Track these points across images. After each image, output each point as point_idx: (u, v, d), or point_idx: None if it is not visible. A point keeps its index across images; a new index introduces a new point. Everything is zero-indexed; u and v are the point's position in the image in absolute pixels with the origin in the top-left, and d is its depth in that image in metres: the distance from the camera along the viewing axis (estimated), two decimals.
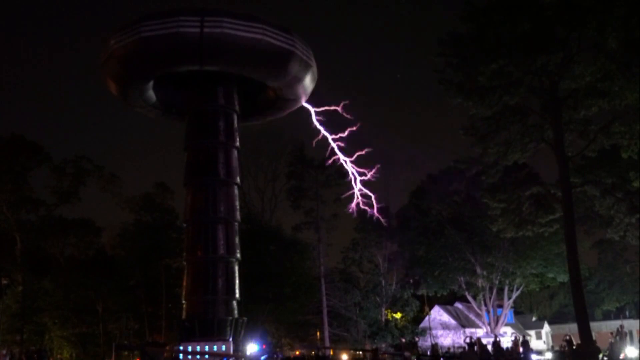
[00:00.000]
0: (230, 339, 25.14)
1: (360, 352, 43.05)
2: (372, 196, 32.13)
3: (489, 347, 30.54)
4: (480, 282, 47.23)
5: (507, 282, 47.68)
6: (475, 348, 24.76)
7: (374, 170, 31.49)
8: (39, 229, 46.32)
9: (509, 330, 56.37)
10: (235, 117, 28.32)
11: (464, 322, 58.27)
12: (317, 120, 30.84)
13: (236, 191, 27.92)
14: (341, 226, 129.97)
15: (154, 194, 50.46)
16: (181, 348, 24.22)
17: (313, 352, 36.19)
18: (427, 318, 54.53)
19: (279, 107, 30.74)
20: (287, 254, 44.34)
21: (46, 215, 46.97)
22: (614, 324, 52.88)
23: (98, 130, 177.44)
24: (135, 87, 27.88)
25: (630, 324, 53.91)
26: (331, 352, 38.24)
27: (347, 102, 30.55)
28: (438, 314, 58.88)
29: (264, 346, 31.86)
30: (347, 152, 31.38)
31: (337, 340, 48.72)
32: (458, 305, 61.58)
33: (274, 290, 41.50)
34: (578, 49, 24.22)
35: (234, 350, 25.01)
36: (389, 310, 52.36)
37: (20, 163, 44.10)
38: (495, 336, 42.05)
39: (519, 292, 49.72)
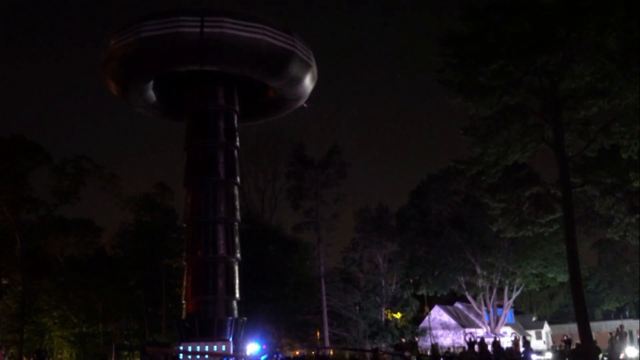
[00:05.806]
0: (230, 339, 25.14)
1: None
2: None
3: (489, 347, 30.52)
4: (480, 282, 47.22)
5: (507, 282, 47.67)
6: (476, 348, 24.80)
7: None
8: (39, 229, 46.29)
9: (509, 330, 56.31)
10: (235, 117, 28.34)
11: (464, 322, 58.22)
12: None
13: (236, 191, 27.93)
14: (341, 226, 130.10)
15: (154, 194, 50.45)
16: (181, 348, 24.23)
17: (313, 352, 36.17)
18: (427, 318, 54.50)
19: (279, 107, 30.75)
20: (287, 254, 44.29)
21: (46, 215, 46.96)
22: (614, 324, 52.80)
23: (98, 130, 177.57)
24: (135, 87, 27.91)
25: (630, 324, 53.85)
26: (331, 352, 38.21)
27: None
28: (438, 314, 58.84)
29: (264, 346, 31.87)
30: None
31: (337, 340, 48.68)
32: (458, 305, 61.54)
33: (274, 290, 41.50)
34: (578, 49, 24.21)
35: (234, 350, 25.02)
36: (389, 310, 52.33)
37: (20, 163, 44.05)
38: (495, 336, 42.01)
39: (519, 292, 49.70)
